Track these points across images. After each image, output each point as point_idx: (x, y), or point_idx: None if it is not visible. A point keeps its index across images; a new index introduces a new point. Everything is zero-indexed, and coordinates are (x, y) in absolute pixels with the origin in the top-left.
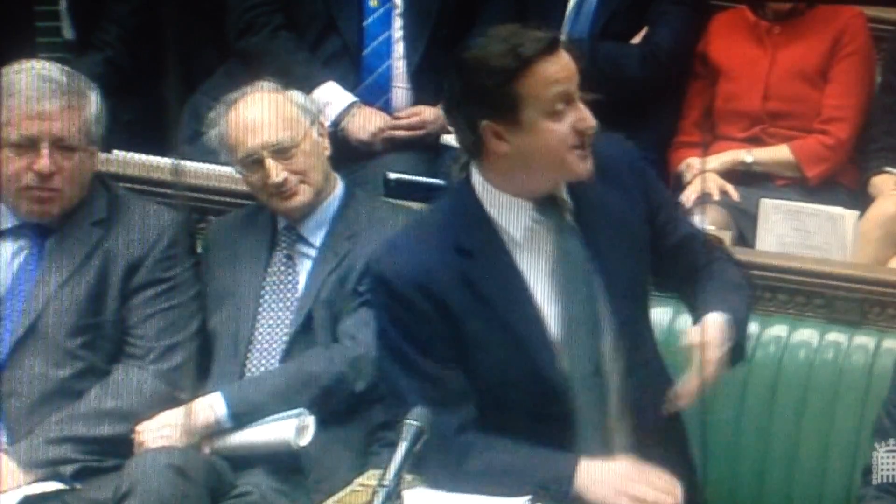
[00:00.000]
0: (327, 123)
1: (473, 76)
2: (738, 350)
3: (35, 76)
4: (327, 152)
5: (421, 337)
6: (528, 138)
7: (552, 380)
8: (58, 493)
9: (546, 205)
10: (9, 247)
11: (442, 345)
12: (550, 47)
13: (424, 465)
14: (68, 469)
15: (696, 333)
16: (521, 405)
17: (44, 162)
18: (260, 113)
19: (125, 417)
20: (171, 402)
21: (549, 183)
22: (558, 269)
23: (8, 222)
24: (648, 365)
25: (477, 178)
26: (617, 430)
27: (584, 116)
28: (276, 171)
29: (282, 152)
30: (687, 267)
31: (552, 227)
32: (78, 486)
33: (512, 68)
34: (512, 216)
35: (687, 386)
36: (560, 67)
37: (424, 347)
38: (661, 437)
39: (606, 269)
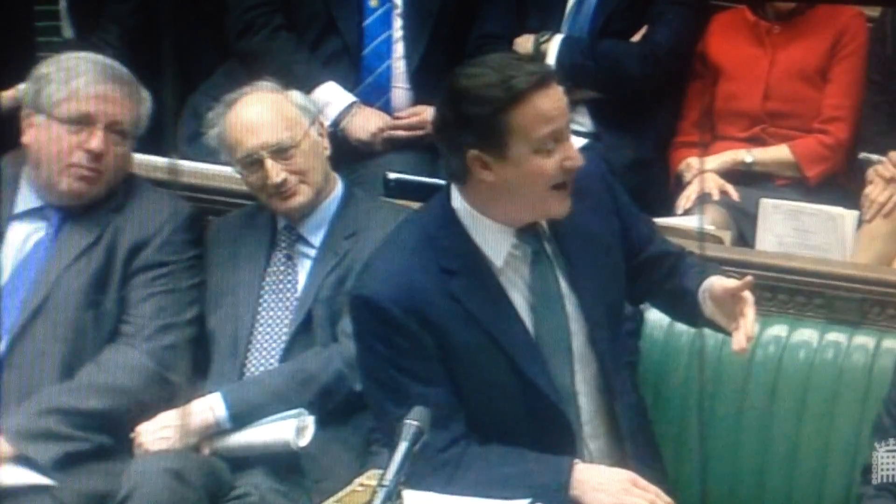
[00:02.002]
0: (327, 123)
1: (463, 104)
2: None
3: (100, 63)
4: (327, 152)
5: (407, 357)
6: (514, 172)
7: (542, 388)
8: (47, 487)
9: (526, 232)
10: (28, 227)
11: (429, 363)
12: (544, 81)
13: (416, 483)
14: (49, 453)
15: (726, 284)
16: (514, 415)
17: (96, 141)
18: (259, 113)
19: (114, 393)
20: (162, 382)
21: (528, 215)
22: (534, 298)
23: (31, 202)
24: (626, 384)
25: (459, 201)
26: (603, 450)
27: (572, 155)
28: (276, 172)
29: (281, 152)
30: (662, 276)
31: (530, 254)
32: (53, 482)
33: (503, 100)
34: (493, 242)
35: (742, 333)
36: (553, 103)
37: (410, 368)
38: (640, 452)
39: (584, 299)
